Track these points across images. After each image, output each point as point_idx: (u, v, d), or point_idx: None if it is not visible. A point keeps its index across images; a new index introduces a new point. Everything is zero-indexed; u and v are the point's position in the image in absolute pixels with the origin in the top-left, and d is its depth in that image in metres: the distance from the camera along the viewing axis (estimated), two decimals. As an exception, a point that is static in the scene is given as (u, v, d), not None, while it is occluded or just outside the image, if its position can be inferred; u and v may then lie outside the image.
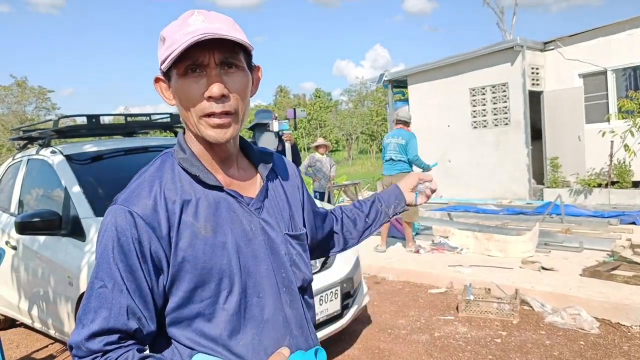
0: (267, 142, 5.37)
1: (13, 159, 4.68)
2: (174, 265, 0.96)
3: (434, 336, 3.89)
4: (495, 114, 10.50)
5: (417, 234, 7.19)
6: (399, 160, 6.19)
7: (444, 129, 11.33)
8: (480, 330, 3.92)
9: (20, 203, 4.16)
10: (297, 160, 5.74)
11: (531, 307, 4.24)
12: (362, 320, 4.23)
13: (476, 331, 3.91)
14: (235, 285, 0.99)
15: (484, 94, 10.62)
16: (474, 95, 10.80)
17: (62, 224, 3.30)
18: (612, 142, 8.65)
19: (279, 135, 5.45)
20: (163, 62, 0.96)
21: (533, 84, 9.98)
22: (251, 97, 1.06)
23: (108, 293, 0.92)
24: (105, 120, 4.60)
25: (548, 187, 9.84)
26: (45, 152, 3.95)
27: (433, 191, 1.45)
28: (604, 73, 9.50)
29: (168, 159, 1.05)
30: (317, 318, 3.14)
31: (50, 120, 4.25)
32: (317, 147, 8.66)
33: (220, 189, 1.03)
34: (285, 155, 5.39)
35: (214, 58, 0.95)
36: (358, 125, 34.98)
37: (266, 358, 1.00)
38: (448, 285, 5.04)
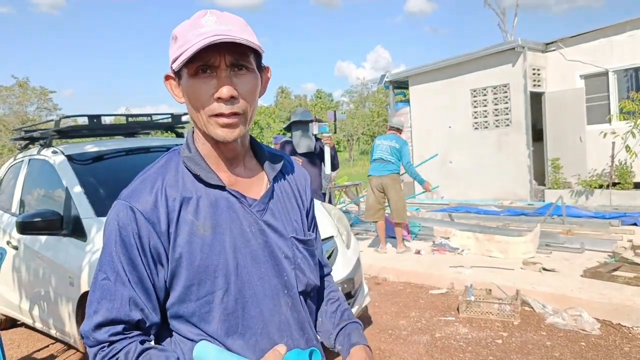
0: (304, 142, 5.14)
1: (14, 159, 4.69)
2: (172, 260, 0.99)
3: (435, 337, 3.88)
4: (496, 115, 10.49)
5: (416, 235, 7.18)
6: (389, 162, 6.23)
7: (445, 129, 11.33)
8: (481, 331, 3.92)
9: (22, 203, 4.16)
10: (335, 165, 5.36)
11: (532, 308, 4.23)
12: (363, 321, 4.22)
13: (477, 332, 3.91)
14: (231, 285, 1.00)
15: (485, 95, 10.62)
16: (475, 96, 10.80)
17: (63, 224, 3.30)
18: (613, 143, 8.64)
19: (317, 138, 5.24)
20: (174, 60, 0.98)
21: (534, 85, 9.98)
22: (260, 97, 1.07)
23: (111, 285, 0.96)
24: (107, 120, 4.60)
25: (549, 188, 9.83)
26: (47, 152, 3.96)
27: None
28: (605, 74, 9.49)
29: (174, 157, 1.08)
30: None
31: (52, 120, 4.26)
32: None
33: (222, 188, 1.04)
34: (324, 159, 5.12)
35: (225, 60, 0.96)
36: (359, 126, 34.98)
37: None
38: (449, 286, 5.04)
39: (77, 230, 3.24)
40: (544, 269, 5.01)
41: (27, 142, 4.68)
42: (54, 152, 3.87)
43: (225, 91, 0.95)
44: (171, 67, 1.00)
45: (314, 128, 5.00)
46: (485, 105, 10.65)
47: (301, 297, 1.11)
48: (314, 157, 5.26)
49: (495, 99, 10.44)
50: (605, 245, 5.70)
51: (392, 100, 13.16)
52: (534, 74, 9.97)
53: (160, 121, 4.76)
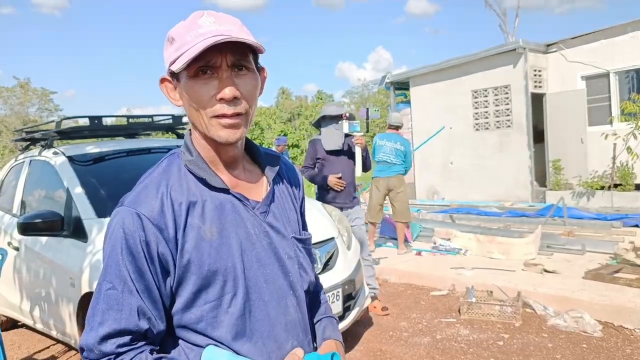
0: (332, 139, 4.60)
1: (15, 160, 4.69)
2: (179, 266, 0.96)
3: (436, 338, 3.88)
4: (497, 116, 10.48)
5: (417, 236, 7.18)
6: (394, 163, 6.27)
7: (446, 131, 11.32)
8: (482, 333, 3.91)
9: (23, 204, 4.16)
10: (367, 165, 4.76)
11: (533, 309, 4.22)
12: (364, 322, 4.22)
13: (478, 334, 3.90)
14: (239, 288, 0.99)
15: (486, 96, 10.61)
16: (476, 98, 10.79)
17: (64, 225, 3.30)
18: (614, 144, 8.63)
19: (346, 135, 4.64)
20: (172, 62, 0.96)
21: (535, 86, 9.97)
22: (258, 97, 1.06)
23: (118, 295, 0.93)
24: (108, 121, 4.59)
25: (550, 190, 9.82)
26: (48, 153, 3.96)
27: None
28: (606, 75, 9.49)
29: (175, 160, 1.05)
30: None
31: (53, 121, 4.27)
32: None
33: (226, 191, 1.03)
34: (354, 161, 4.60)
35: (227, 60, 0.95)
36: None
37: None
38: (450, 288, 5.03)
39: (78, 231, 3.24)
40: (545, 271, 5.00)
41: (28, 143, 4.68)
42: (55, 153, 3.88)
43: (228, 92, 0.94)
44: (169, 70, 0.99)
45: (344, 126, 4.49)
46: (486, 107, 10.64)
47: (305, 296, 1.12)
48: (343, 155, 4.65)
49: (496, 100, 10.43)
50: (606, 247, 5.69)
51: (393, 101, 13.16)
52: (535, 75, 9.97)
53: (161, 122, 4.77)
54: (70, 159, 3.73)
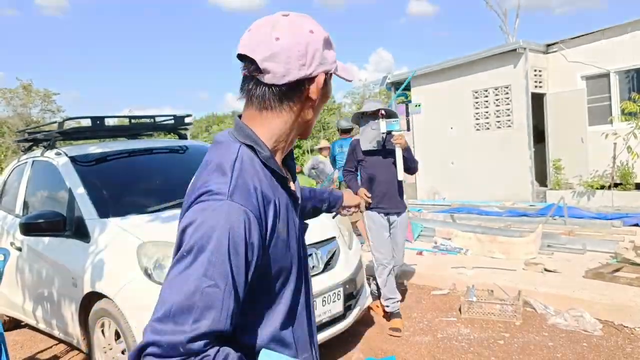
0: (367, 139, 4.18)
1: (18, 161, 4.71)
2: (261, 264, 0.96)
3: (437, 337, 3.89)
4: (498, 116, 10.49)
5: (418, 236, 7.19)
6: None
7: (446, 131, 11.33)
8: (483, 332, 3.92)
9: (25, 204, 4.18)
10: (412, 168, 4.20)
11: (534, 308, 4.23)
12: (365, 321, 4.23)
13: (479, 333, 3.92)
14: (291, 283, 1.06)
15: (486, 96, 10.62)
16: (476, 98, 10.79)
17: (67, 225, 3.32)
18: (615, 144, 8.63)
19: (388, 133, 4.05)
20: (335, 67, 1.08)
21: (536, 86, 9.97)
22: None
23: (219, 294, 0.87)
24: (110, 122, 4.61)
25: (551, 189, 9.83)
26: (50, 154, 3.98)
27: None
28: (606, 75, 9.49)
29: (244, 153, 1.01)
30: (320, 319, 3.15)
31: (55, 122, 4.28)
32: (320, 150, 8.68)
33: (289, 190, 1.08)
34: (395, 162, 3.98)
35: None
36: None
37: (304, 351, 1.10)
38: (451, 287, 5.04)
39: (80, 232, 3.26)
40: (546, 270, 5.01)
41: (30, 143, 4.70)
42: (58, 154, 3.90)
43: None
44: (330, 71, 1.07)
45: (381, 126, 3.97)
46: (487, 107, 10.65)
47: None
48: (382, 156, 4.17)
49: (497, 100, 10.44)
50: (607, 246, 5.69)
51: (394, 101, 13.16)
52: (535, 75, 9.97)
53: (163, 123, 4.78)
54: (73, 159, 3.75)
